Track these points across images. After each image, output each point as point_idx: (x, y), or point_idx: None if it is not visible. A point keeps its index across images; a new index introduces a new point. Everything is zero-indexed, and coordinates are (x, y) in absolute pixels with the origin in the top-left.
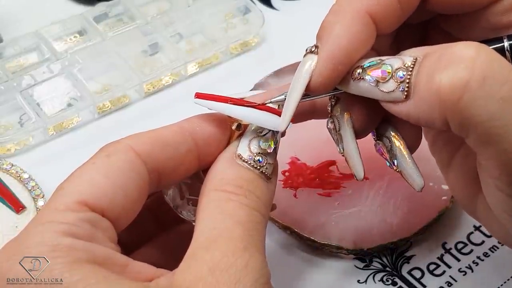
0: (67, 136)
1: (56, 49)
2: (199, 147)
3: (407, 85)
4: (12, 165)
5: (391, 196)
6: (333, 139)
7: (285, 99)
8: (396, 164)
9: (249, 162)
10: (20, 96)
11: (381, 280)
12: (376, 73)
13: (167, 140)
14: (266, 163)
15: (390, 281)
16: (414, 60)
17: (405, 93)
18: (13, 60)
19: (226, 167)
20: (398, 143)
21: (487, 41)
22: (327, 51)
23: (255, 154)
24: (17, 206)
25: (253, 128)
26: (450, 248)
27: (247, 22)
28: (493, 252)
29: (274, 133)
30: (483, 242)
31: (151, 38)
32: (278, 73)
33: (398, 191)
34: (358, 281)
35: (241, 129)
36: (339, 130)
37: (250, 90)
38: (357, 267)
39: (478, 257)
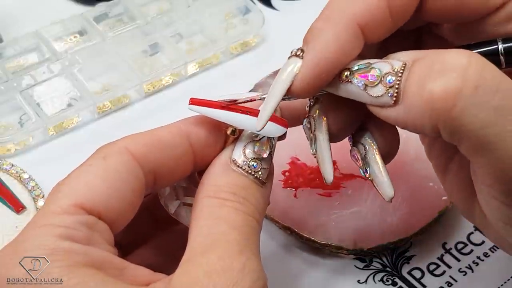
0: (67, 136)
1: (56, 49)
2: (195, 149)
3: (396, 90)
4: (12, 165)
5: None
6: (307, 138)
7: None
8: (368, 172)
9: (243, 168)
10: (20, 96)
11: (381, 280)
12: (365, 77)
13: (163, 142)
14: (260, 168)
15: (390, 281)
16: (403, 66)
17: (394, 98)
18: (13, 60)
19: (220, 173)
20: (372, 151)
21: (481, 44)
22: (313, 58)
23: (249, 159)
24: (17, 206)
25: (248, 132)
26: (450, 248)
27: (247, 22)
28: (493, 252)
29: (270, 137)
30: (483, 242)
31: (151, 38)
32: None
33: (398, 191)
34: (358, 281)
35: (236, 134)
36: (314, 131)
37: (250, 91)
38: (357, 267)
39: (478, 257)
